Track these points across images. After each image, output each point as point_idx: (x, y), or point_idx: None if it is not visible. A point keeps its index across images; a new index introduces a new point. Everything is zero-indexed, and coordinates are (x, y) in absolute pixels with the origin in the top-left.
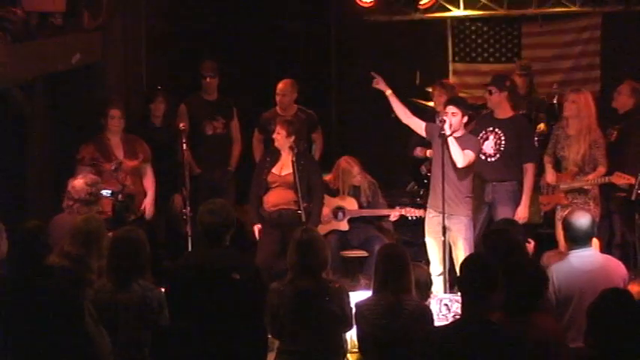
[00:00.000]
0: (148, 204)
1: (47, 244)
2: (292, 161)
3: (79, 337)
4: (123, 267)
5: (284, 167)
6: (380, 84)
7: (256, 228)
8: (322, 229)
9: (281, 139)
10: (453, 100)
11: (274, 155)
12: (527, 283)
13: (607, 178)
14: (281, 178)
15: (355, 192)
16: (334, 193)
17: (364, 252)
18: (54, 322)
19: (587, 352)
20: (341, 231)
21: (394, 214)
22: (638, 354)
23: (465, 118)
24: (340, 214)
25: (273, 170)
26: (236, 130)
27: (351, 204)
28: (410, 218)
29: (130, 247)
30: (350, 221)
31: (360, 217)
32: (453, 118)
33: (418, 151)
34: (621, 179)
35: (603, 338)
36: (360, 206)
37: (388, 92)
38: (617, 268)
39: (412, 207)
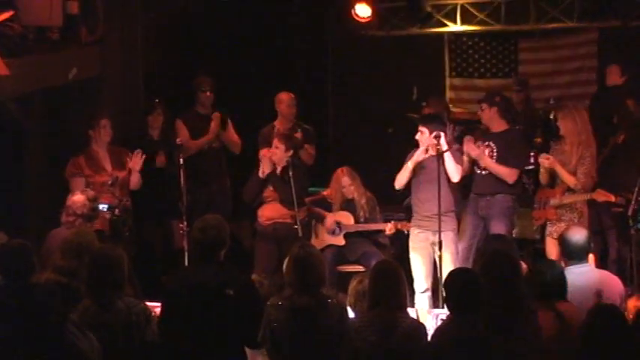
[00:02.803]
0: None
1: (31, 263)
2: (290, 176)
3: (62, 349)
4: (102, 285)
5: None
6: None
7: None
8: (319, 244)
9: (279, 153)
10: (421, 119)
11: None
12: None
13: (589, 194)
14: (273, 193)
15: (349, 205)
16: (330, 209)
17: (361, 267)
18: (35, 339)
19: None
20: (337, 246)
21: (389, 228)
22: None
23: (436, 134)
24: (337, 229)
25: (269, 185)
26: (232, 135)
27: (347, 219)
28: (406, 232)
29: (105, 265)
30: (346, 236)
31: (357, 232)
32: (420, 137)
33: None
34: (602, 196)
35: (595, 355)
36: (357, 221)
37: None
38: (614, 283)
39: (408, 221)
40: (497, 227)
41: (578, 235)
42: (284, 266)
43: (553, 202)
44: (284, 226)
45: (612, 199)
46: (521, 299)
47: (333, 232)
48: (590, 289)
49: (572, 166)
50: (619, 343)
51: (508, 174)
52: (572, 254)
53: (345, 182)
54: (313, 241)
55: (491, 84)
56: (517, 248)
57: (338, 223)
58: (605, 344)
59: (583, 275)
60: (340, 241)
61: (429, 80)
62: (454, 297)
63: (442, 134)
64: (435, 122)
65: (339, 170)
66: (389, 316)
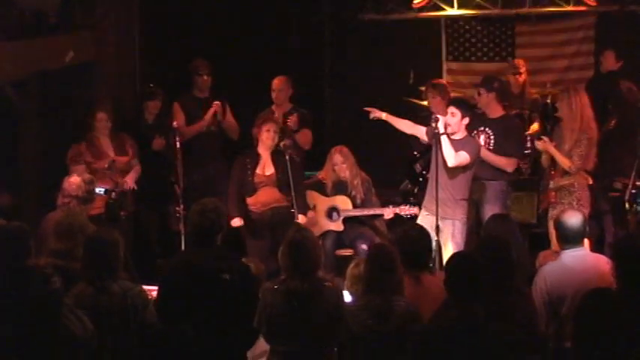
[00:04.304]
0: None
1: (27, 246)
2: (286, 160)
3: (55, 332)
4: (98, 269)
5: (266, 167)
6: (376, 113)
7: (236, 221)
8: (318, 230)
9: (273, 138)
10: (454, 101)
11: (254, 156)
12: None
13: (573, 178)
14: (267, 178)
15: (341, 186)
16: (325, 191)
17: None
18: (28, 321)
19: (574, 352)
20: (336, 231)
21: (388, 213)
22: (622, 353)
23: (466, 120)
24: (335, 215)
25: (257, 171)
26: (231, 123)
27: (344, 204)
28: (405, 216)
29: (101, 248)
30: (344, 221)
31: (354, 217)
32: (451, 119)
33: (419, 166)
34: (583, 179)
35: (588, 339)
36: (353, 204)
37: (384, 116)
38: (609, 267)
39: (406, 205)
40: (491, 211)
41: (574, 218)
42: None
43: (552, 184)
44: (280, 210)
45: (590, 182)
46: (515, 283)
47: (330, 218)
48: (587, 273)
49: (566, 151)
50: (611, 325)
51: (507, 164)
52: (568, 238)
53: (337, 160)
54: (312, 226)
55: (489, 68)
56: (518, 230)
57: (336, 208)
58: (598, 327)
59: (578, 259)
60: (339, 226)
61: (426, 64)
62: (453, 281)
63: (440, 117)
64: (464, 105)
65: (332, 149)
66: (384, 300)
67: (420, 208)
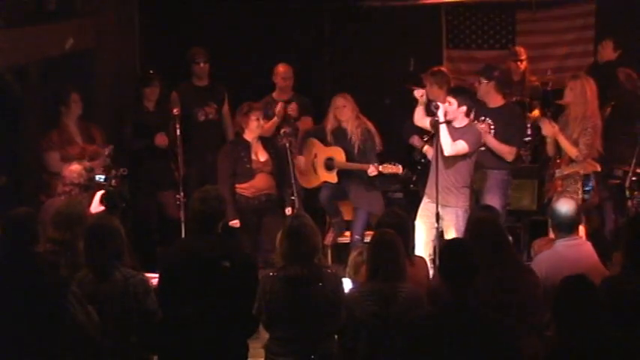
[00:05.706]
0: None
1: (35, 232)
2: (287, 146)
3: (60, 320)
4: (99, 256)
5: (259, 153)
6: (418, 92)
7: (235, 223)
8: (316, 180)
9: (262, 126)
10: (451, 90)
11: (243, 143)
12: None
13: (581, 165)
14: (263, 164)
15: (341, 133)
16: (325, 139)
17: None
18: (34, 307)
19: (554, 340)
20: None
21: (372, 170)
22: (600, 339)
23: (463, 108)
24: (330, 165)
25: (252, 157)
26: (227, 116)
27: (340, 155)
28: (387, 174)
29: (103, 236)
30: (338, 173)
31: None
32: (448, 107)
33: (416, 141)
34: (590, 167)
35: (566, 325)
36: (351, 152)
37: (420, 94)
38: None
39: (389, 164)
40: (492, 201)
41: (567, 206)
42: (277, 238)
43: (558, 173)
44: (271, 197)
45: (598, 169)
46: (517, 259)
47: (328, 168)
48: (581, 262)
49: (573, 139)
50: (589, 312)
51: (508, 152)
52: (561, 226)
53: (339, 103)
54: (310, 176)
55: (489, 55)
56: (503, 221)
57: (332, 159)
58: (575, 314)
59: (573, 248)
60: (334, 178)
61: (426, 52)
62: (447, 267)
63: (441, 105)
64: (463, 95)
65: (336, 94)
66: (388, 286)
67: (403, 167)
